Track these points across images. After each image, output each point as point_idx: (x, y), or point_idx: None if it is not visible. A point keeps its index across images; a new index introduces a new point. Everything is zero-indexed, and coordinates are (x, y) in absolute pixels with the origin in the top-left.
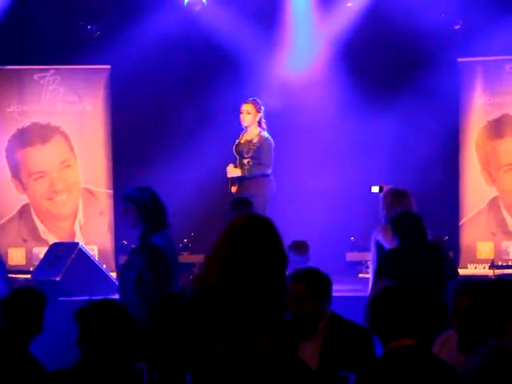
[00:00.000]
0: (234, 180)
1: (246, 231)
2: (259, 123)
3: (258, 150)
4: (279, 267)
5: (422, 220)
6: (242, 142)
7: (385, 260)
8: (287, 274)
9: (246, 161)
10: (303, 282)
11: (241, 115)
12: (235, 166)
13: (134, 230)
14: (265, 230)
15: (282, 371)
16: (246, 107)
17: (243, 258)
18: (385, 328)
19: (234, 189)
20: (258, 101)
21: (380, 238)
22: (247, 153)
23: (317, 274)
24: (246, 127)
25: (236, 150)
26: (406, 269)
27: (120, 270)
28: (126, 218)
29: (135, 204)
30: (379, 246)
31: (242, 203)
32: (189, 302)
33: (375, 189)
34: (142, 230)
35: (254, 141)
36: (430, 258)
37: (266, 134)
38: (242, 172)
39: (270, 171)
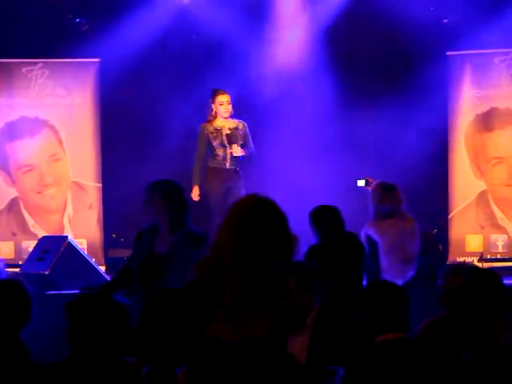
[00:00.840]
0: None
1: (256, 210)
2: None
3: (246, 136)
4: (290, 245)
5: (340, 213)
6: (228, 132)
7: (309, 255)
8: None
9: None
10: (295, 276)
11: (220, 106)
12: (225, 155)
13: (155, 221)
14: (273, 208)
15: (270, 364)
16: (226, 97)
17: (256, 238)
18: (373, 322)
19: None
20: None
21: (370, 232)
22: (240, 139)
23: (306, 267)
24: (224, 118)
25: (229, 141)
26: (330, 262)
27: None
28: (149, 208)
29: (162, 195)
30: (370, 240)
31: None
32: (186, 288)
33: (361, 182)
34: (167, 221)
35: (240, 127)
36: (352, 250)
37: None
38: (244, 152)
39: (254, 151)
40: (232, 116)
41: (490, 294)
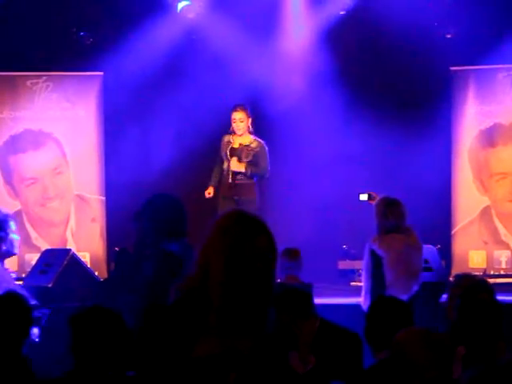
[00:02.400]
0: (235, 175)
1: (240, 223)
2: (249, 128)
3: (258, 155)
4: (275, 256)
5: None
6: (236, 146)
7: None
8: (279, 280)
9: (243, 166)
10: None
11: (233, 124)
12: (228, 168)
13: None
14: (256, 220)
15: (265, 376)
16: (238, 115)
17: (243, 249)
18: (378, 337)
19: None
20: (246, 106)
21: (375, 247)
22: (246, 157)
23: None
24: (241, 135)
25: (231, 154)
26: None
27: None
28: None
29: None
30: (374, 254)
31: None
32: (176, 303)
33: (363, 197)
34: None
35: (253, 145)
36: None
37: (259, 139)
38: (244, 168)
39: (267, 176)
40: (253, 134)
41: (484, 321)
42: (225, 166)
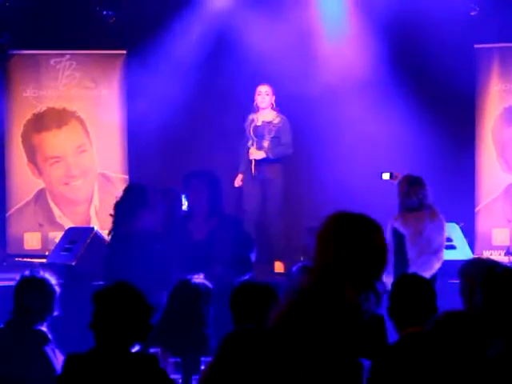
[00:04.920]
0: (256, 163)
1: (357, 221)
2: (272, 105)
3: (280, 131)
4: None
5: None
6: (259, 124)
7: None
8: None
9: (266, 143)
10: None
11: (258, 96)
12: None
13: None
14: (367, 219)
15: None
16: (265, 88)
17: (363, 246)
18: (401, 315)
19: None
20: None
21: (397, 225)
22: (269, 133)
23: None
24: (263, 109)
25: (254, 132)
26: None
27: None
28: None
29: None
30: (396, 233)
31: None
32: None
33: (386, 175)
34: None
35: (275, 121)
36: None
37: (282, 114)
38: (265, 154)
39: (291, 151)
40: (276, 109)
41: (507, 293)
42: (249, 145)
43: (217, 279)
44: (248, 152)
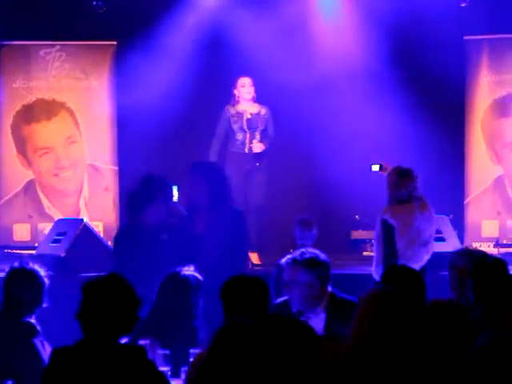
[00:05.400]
0: (255, 156)
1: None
2: (254, 97)
3: (268, 122)
4: None
5: None
6: (249, 116)
7: None
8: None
9: (258, 135)
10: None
11: (242, 88)
12: (244, 139)
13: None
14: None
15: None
16: (247, 80)
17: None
18: None
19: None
20: None
21: (387, 216)
22: (261, 125)
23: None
24: (247, 100)
25: (248, 125)
26: None
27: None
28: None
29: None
30: (386, 224)
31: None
32: None
33: (375, 167)
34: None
35: (262, 113)
36: None
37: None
38: (264, 146)
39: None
40: (256, 101)
41: (497, 284)
42: (239, 137)
43: (209, 271)
44: (233, 144)
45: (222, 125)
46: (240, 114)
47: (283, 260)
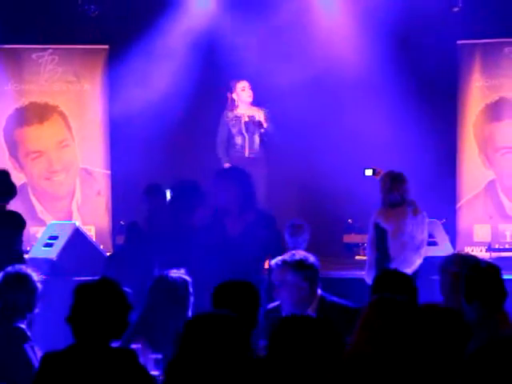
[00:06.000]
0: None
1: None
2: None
3: (267, 122)
4: None
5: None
6: (247, 119)
7: None
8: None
9: (257, 138)
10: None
11: (242, 92)
12: (243, 143)
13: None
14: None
15: None
16: (245, 83)
17: None
18: None
19: None
20: None
21: (379, 220)
22: (260, 128)
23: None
24: (247, 104)
25: (246, 128)
26: None
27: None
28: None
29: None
30: (378, 228)
31: None
32: None
33: (368, 172)
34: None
35: (260, 115)
36: None
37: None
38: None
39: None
40: (253, 104)
41: (490, 287)
42: (239, 141)
43: (244, 273)
44: (233, 148)
45: (223, 129)
46: (238, 118)
47: (272, 262)
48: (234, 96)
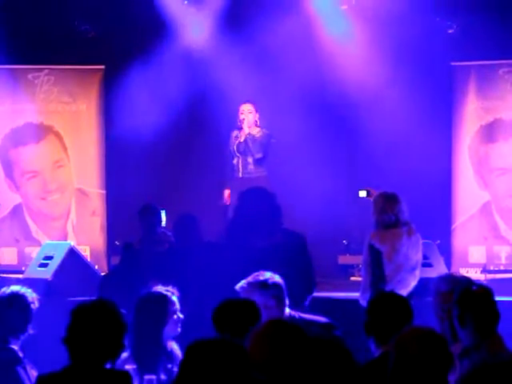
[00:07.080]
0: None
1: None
2: (256, 122)
3: (261, 145)
4: None
5: None
6: (241, 140)
7: None
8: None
9: (250, 159)
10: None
11: (241, 116)
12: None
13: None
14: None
15: None
16: (248, 107)
17: None
18: (377, 333)
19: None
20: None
21: (374, 241)
22: (254, 149)
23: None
24: (248, 126)
25: (238, 150)
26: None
27: None
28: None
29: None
30: (373, 249)
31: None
32: None
33: (362, 193)
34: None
35: (257, 136)
36: None
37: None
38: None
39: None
40: (259, 125)
41: (482, 311)
42: (234, 161)
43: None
44: (232, 168)
45: (230, 148)
46: (236, 139)
47: (237, 286)
48: (241, 116)
